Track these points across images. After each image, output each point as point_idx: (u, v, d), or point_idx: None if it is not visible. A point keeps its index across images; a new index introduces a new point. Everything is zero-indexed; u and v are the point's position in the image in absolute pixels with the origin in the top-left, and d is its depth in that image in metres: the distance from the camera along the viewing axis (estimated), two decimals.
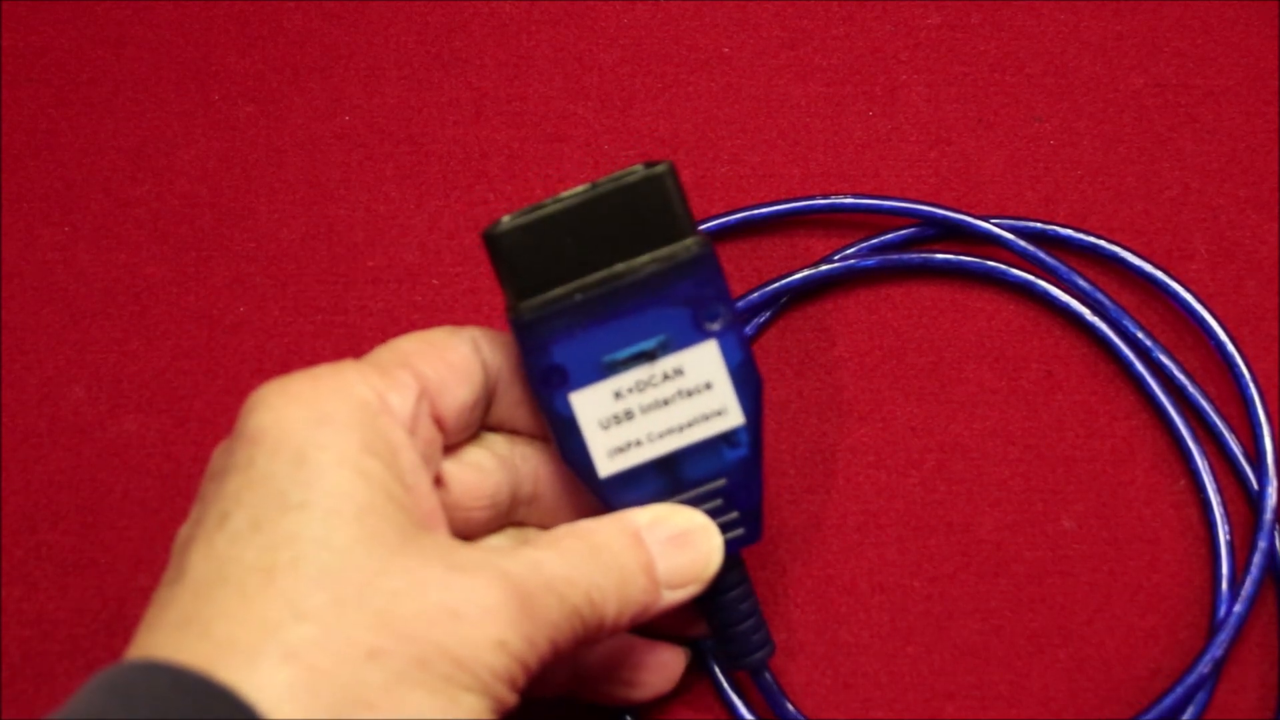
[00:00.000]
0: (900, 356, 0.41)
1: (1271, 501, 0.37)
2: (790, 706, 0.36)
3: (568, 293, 0.30)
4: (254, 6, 0.46)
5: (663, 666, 0.35)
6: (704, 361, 0.31)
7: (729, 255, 0.42)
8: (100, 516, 0.39)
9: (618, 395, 0.30)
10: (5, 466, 0.40)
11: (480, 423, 0.32)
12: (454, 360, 0.30)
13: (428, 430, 0.30)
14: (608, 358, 0.30)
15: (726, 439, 0.31)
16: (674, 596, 0.30)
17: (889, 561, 0.39)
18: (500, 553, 0.28)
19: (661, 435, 0.31)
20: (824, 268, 0.41)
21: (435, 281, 0.42)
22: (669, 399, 0.31)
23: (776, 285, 0.41)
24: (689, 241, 0.30)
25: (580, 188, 0.30)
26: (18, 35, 0.46)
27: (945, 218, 0.41)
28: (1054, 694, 0.37)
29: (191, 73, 0.45)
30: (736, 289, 0.42)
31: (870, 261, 0.41)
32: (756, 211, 0.42)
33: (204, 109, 0.45)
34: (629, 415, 0.31)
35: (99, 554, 0.39)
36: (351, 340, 0.42)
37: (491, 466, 0.32)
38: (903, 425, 0.40)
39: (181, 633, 0.25)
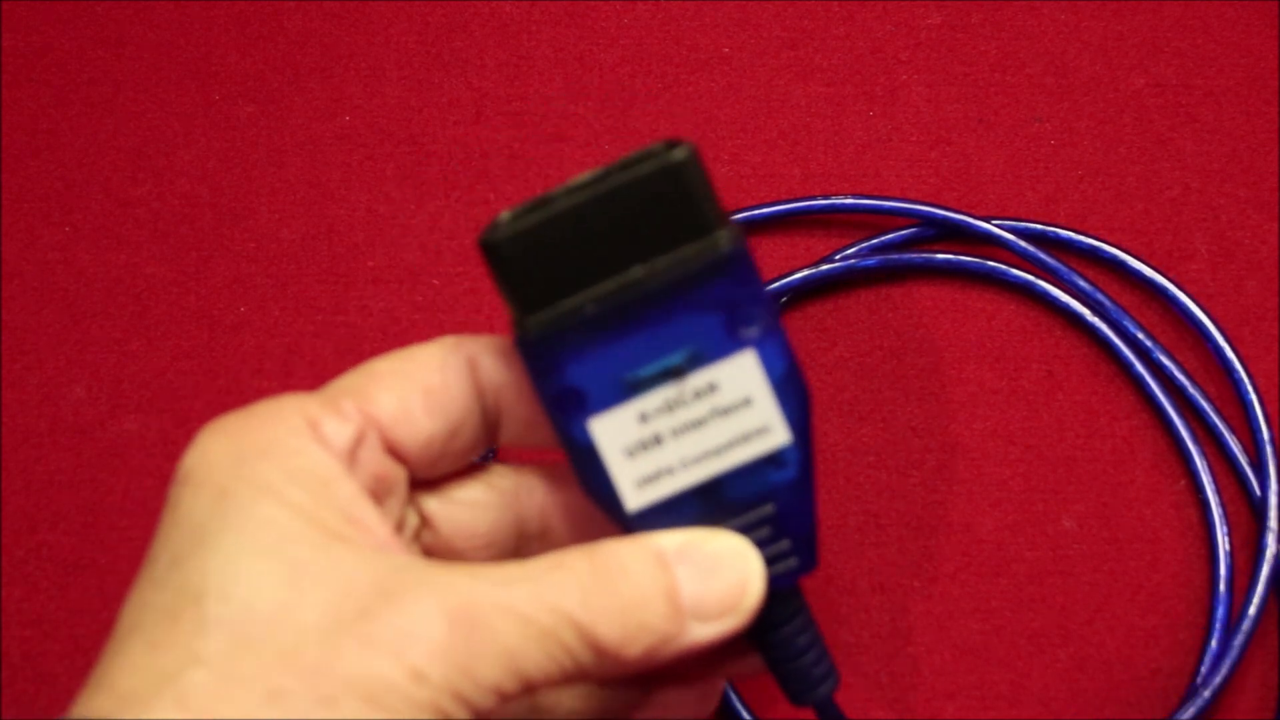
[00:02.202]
0: (900, 356, 0.41)
1: (1274, 510, 0.37)
2: None
3: (580, 304, 0.26)
4: (254, 6, 0.46)
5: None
6: (741, 374, 0.26)
7: None
8: (100, 516, 0.39)
9: (643, 418, 0.27)
10: (5, 466, 0.40)
11: (479, 449, 0.29)
12: (430, 386, 0.28)
13: (376, 462, 0.27)
14: (630, 376, 0.26)
15: (772, 460, 0.27)
16: (706, 631, 0.27)
17: (889, 561, 0.39)
18: (468, 569, 0.26)
19: (697, 460, 0.27)
20: (824, 268, 0.41)
21: (435, 281, 0.42)
22: (703, 420, 0.27)
23: (776, 285, 0.41)
24: (717, 236, 0.26)
25: (588, 175, 0.26)
26: (18, 35, 0.46)
27: (945, 218, 0.41)
28: (1054, 694, 0.37)
29: (191, 73, 0.45)
30: None
31: (871, 261, 0.41)
32: (757, 212, 0.42)
33: (204, 109, 0.45)
34: (657, 440, 0.27)
35: (99, 554, 0.39)
36: (351, 340, 0.42)
37: (487, 502, 0.29)
38: (903, 425, 0.40)
39: (95, 690, 0.25)
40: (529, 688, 0.25)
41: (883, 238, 0.42)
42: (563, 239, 0.26)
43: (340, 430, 0.27)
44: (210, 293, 0.42)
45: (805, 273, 0.41)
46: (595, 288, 0.26)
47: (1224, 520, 0.38)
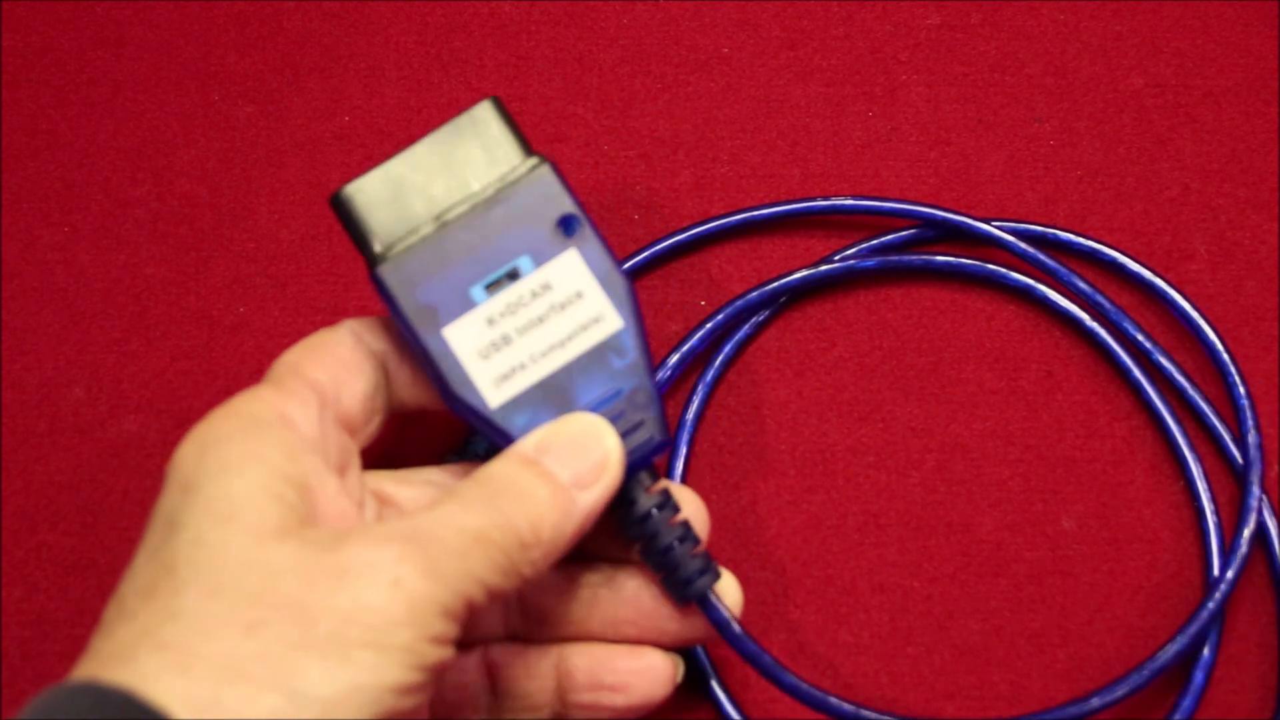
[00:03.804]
0: (900, 357, 0.41)
1: (1255, 490, 0.37)
2: (738, 628, 0.33)
3: (421, 233, 0.31)
4: (254, 6, 0.46)
5: (649, 669, 0.34)
6: (569, 271, 0.31)
7: (729, 255, 0.42)
8: (100, 516, 0.39)
9: (490, 322, 0.31)
10: (5, 466, 0.40)
11: (382, 412, 0.32)
12: (343, 355, 0.31)
13: (335, 436, 0.30)
14: (473, 287, 0.31)
15: (611, 347, 0.31)
16: (591, 496, 0.30)
17: (889, 561, 0.39)
18: (395, 518, 0.29)
19: (545, 354, 0.31)
20: (824, 268, 0.41)
21: None
22: (543, 316, 0.31)
23: (776, 285, 0.41)
24: (529, 160, 0.31)
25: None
26: (18, 35, 0.46)
27: (945, 219, 0.41)
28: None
29: (191, 73, 0.45)
30: (736, 289, 0.42)
31: (870, 263, 0.41)
32: (757, 212, 0.42)
33: (204, 109, 0.45)
34: (506, 340, 0.31)
35: (99, 554, 0.39)
36: None
37: (443, 480, 0.32)
38: (903, 425, 0.40)
39: (82, 663, 0.26)
40: (489, 595, 0.28)
41: (882, 239, 0.42)
42: (397, 185, 0.31)
43: (305, 415, 0.29)
44: (210, 293, 0.42)
45: (805, 273, 0.41)
46: (432, 218, 0.31)
47: (1217, 529, 0.38)
